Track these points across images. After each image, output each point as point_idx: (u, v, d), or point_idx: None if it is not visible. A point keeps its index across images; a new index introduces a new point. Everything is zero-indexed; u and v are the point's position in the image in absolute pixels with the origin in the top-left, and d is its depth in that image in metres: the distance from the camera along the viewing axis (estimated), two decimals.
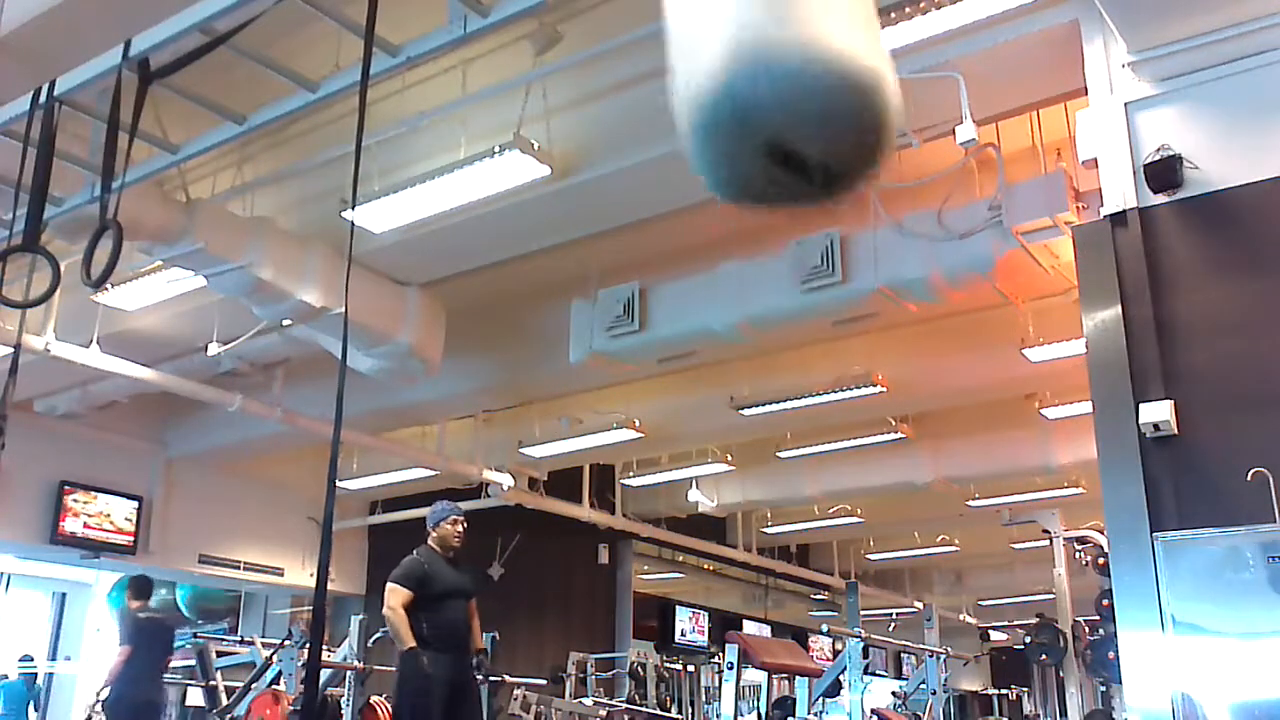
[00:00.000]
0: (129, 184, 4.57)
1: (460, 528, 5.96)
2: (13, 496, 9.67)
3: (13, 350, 4.87)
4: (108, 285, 6.75)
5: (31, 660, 12.67)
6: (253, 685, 7.32)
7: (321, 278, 6.86)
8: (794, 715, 9.17)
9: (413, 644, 5.52)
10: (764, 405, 9.20)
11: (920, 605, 14.86)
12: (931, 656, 9.60)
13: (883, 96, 1.18)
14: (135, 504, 10.67)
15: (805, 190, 1.23)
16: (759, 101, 1.12)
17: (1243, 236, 4.23)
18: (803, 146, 1.16)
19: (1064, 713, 10.74)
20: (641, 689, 11.92)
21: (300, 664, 7.01)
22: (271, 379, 8.91)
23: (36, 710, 12.66)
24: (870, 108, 1.17)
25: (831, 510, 13.93)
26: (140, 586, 8.27)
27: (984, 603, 19.52)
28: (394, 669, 5.84)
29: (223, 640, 9.14)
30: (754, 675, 9.11)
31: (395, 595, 5.63)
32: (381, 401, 8.92)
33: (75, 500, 10.19)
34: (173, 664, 11.45)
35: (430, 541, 5.96)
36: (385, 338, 7.37)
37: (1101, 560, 9.30)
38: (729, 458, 11.69)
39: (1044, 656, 10.42)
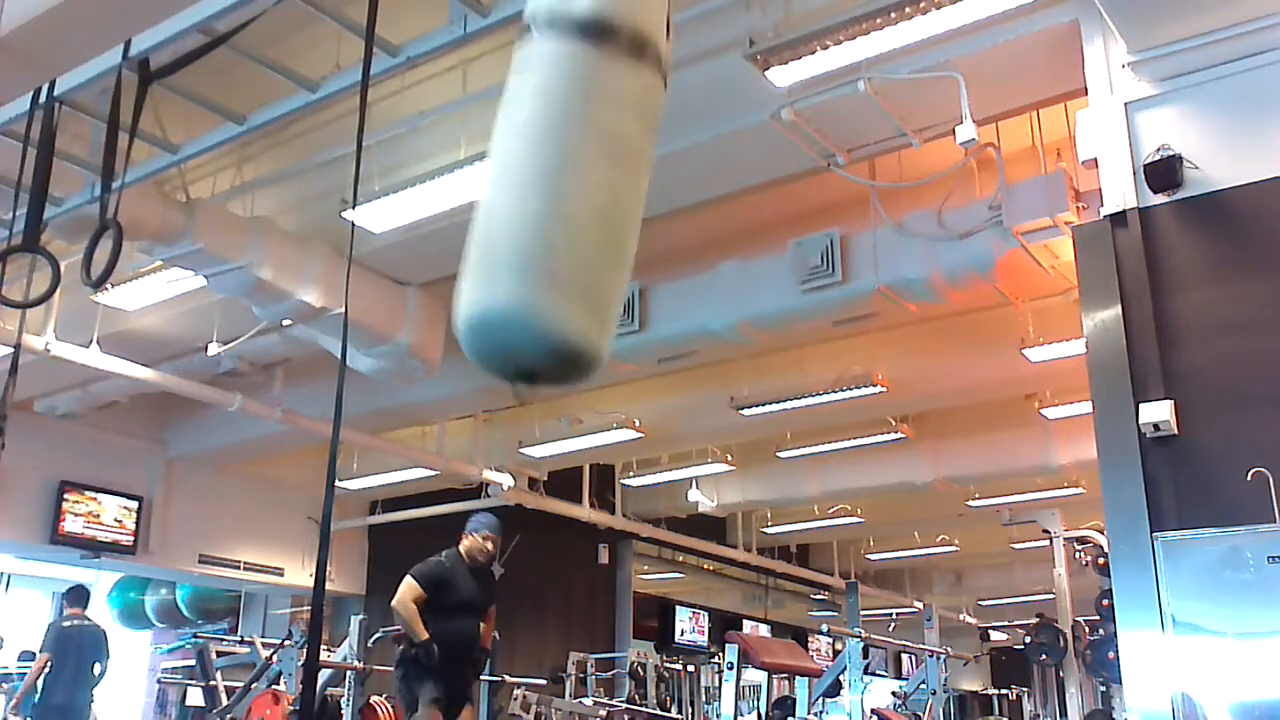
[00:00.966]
0: (129, 184, 4.57)
1: (490, 545, 5.93)
2: (13, 496, 9.67)
3: (13, 350, 4.87)
4: (108, 285, 6.75)
5: (33, 658, 12.64)
6: (253, 685, 7.32)
7: (321, 278, 6.85)
8: (794, 715, 9.17)
9: (426, 635, 5.50)
10: (764, 405, 9.20)
11: (920, 605, 14.86)
12: (931, 656, 9.60)
13: (584, 357, 1.71)
14: (135, 504, 10.67)
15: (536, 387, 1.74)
16: (484, 353, 1.68)
17: (1243, 236, 4.23)
18: (527, 373, 1.70)
19: (1064, 713, 10.74)
20: (641, 689, 11.93)
21: (300, 664, 7.01)
22: (271, 379, 8.91)
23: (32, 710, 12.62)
24: (575, 363, 1.71)
25: (831, 510, 13.93)
26: (76, 595, 8.31)
27: (984, 603, 19.51)
28: (395, 668, 5.82)
29: (223, 640, 9.14)
30: (754, 675, 9.10)
31: (409, 590, 5.60)
32: (381, 401, 8.93)
33: (75, 500, 10.19)
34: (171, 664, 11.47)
35: (460, 547, 5.92)
36: (385, 338, 7.37)
37: (1101, 560, 9.31)
38: (729, 458, 11.69)
39: (1044, 656, 10.43)
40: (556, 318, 1.66)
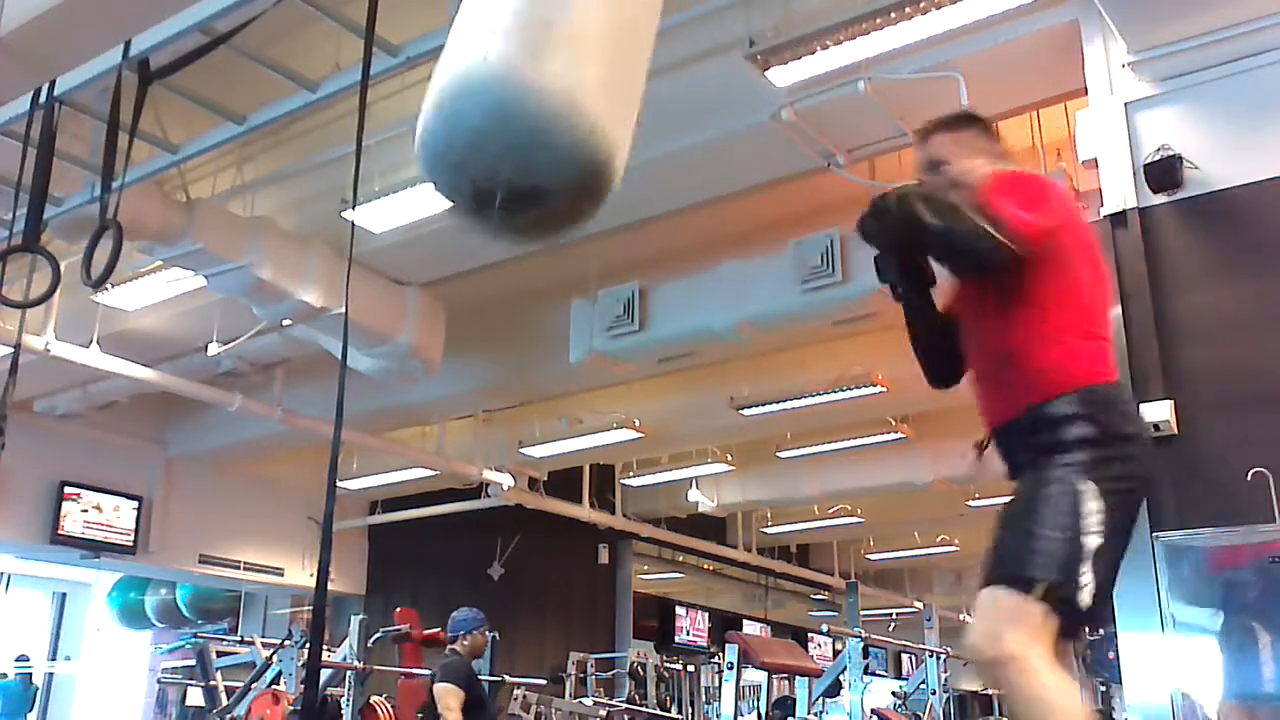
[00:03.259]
0: (129, 184, 4.57)
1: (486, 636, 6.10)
2: (13, 496, 9.67)
3: (13, 350, 4.87)
4: (108, 285, 6.75)
5: (28, 660, 12.66)
6: (253, 685, 7.32)
7: (321, 278, 6.85)
8: (794, 715, 9.17)
9: None
10: (764, 405, 9.20)
11: (920, 605, 14.85)
12: (931, 656, 9.59)
13: (573, 121, 1.17)
14: (135, 504, 10.67)
15: (529, 222, 1.22)
16: (451, 146, 1.15)
17: (1243, 236, 4.23)
18: (495, 179, 1.17)
19: None
20: (641, 689, 11.93)
21: (300, 664, 7.00)
22: (271, 379, 8.92)
23: (31, 709, 12.65)
24: (561, 132, 1.16)
25: (831, 510, 13.93)
26: None
27: None
28: None
29: (223, 640, 9.14)
30: (754, 675, 9.09)
31: (452, 696, 5.53)
32: (381, 401, 8.93)
33: (75, 500, 10.19)
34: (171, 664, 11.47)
35: (459, 647, 5.93)
36: (385, 338, 7.37)
37: None
38: (729, 458, 11.69)
39: None
40: (564, 91, 1.14)
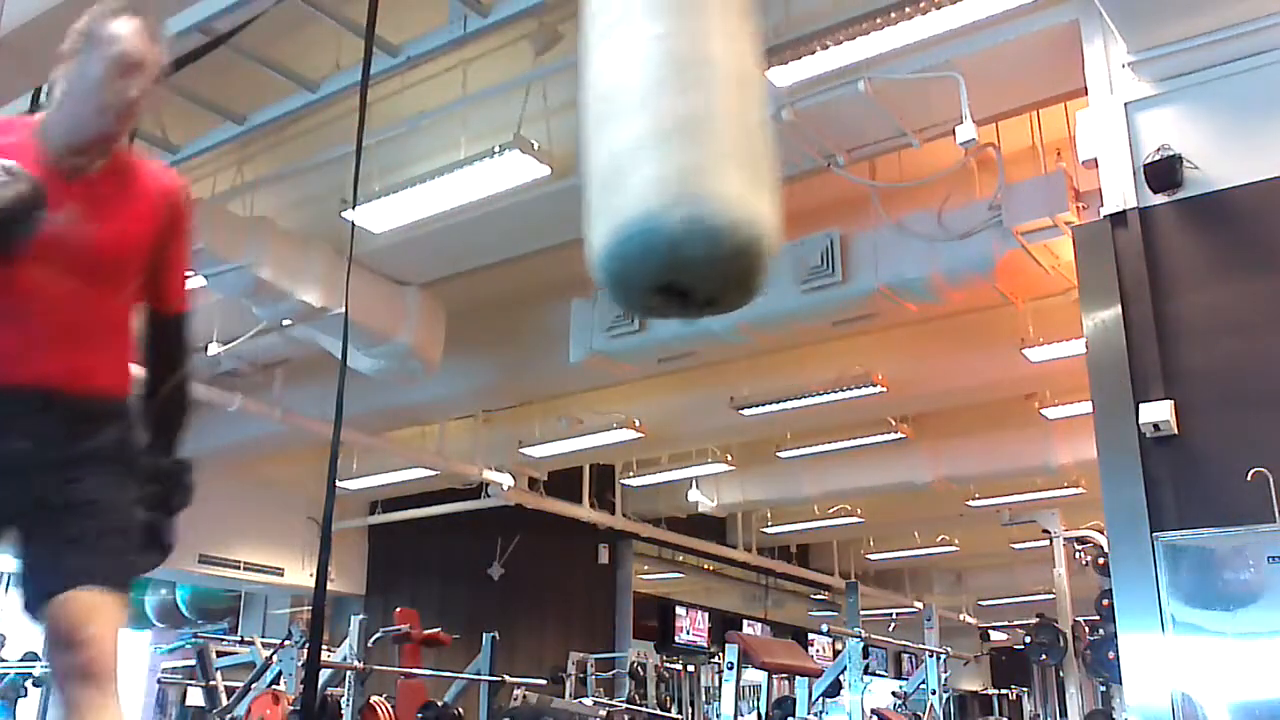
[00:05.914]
0: None
1: None
2: None
3: None
4: None
5: (39, 657, 12.61)
6: (253, 685, 7.31)
7: (321, 278, 6.85)
8: (794, 715, 9.17)
9: None
10: (764, 405, 9.19)
11: (920, 605, 14.86)
12: (931, 656, 9.60)
13: (759, 245, 1.33)
14: None
15: (688, 312, 1.40)
16: (652, 257, 1.31)
17: (1243, 236, 4.24)
18: (690, 287, 1.35)
19: (1064, 713, 10.75)
20: (641, 689, 11.93)
21: (300, 664, 7.00)
22: (271, 379, 8.91)
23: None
24: (748, 255, 1.33)
25: (831, 510, 13.93)
26: None
27: (984, 603, 19.52)
28: None
29: (223, 640, 9.13)
30: (754, 675, 9.09)
31: None
32: (381, 401, 8.92)
33: None
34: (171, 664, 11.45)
35: None
36: (385, 338, 7.37)
37: (1101, 560, 9.31)
38: (729, 458, 11.69)
39: (1044, 656, 10.44)
40: (727, 197, 1.29)
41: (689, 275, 1.33)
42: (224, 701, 7.74)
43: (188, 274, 2.16)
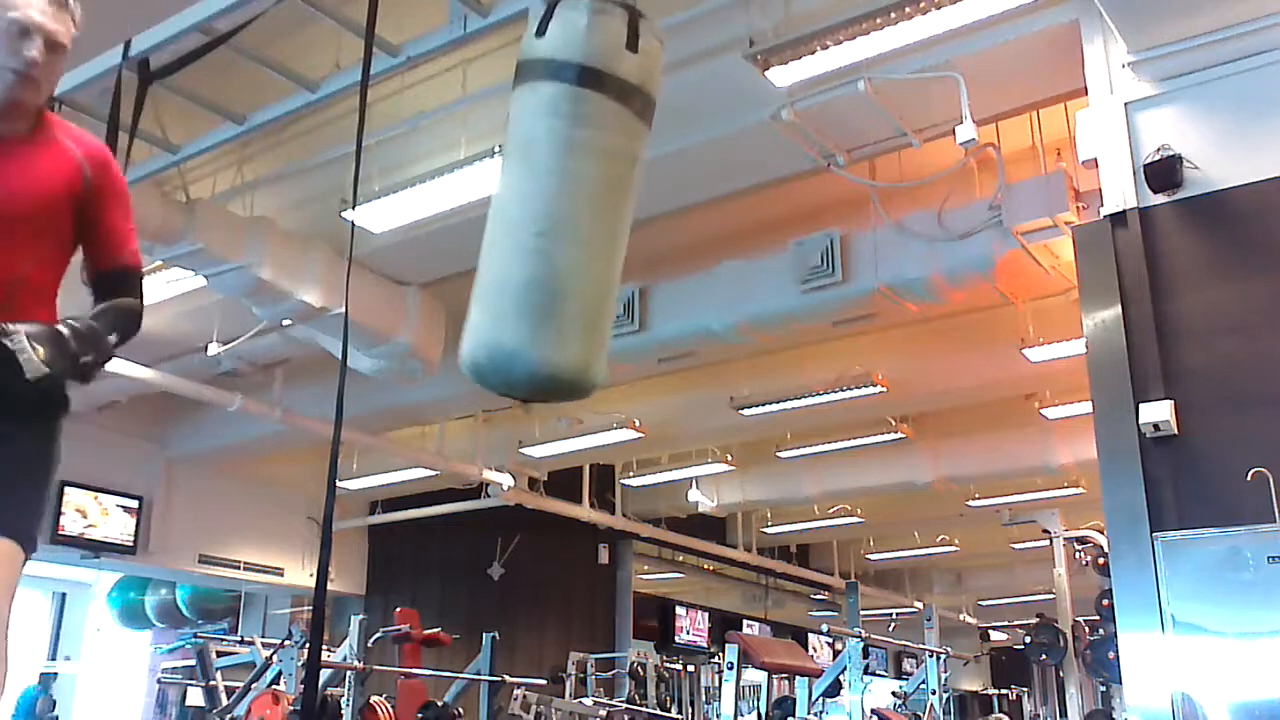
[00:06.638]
0: (129, 184, 4.56)
1: None
2: None
3: None
4: None
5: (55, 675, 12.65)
6: (253, 685, 7.32)
7: (321, 278, 6.86)
8: (794, 715, 9.16)
9: None
10: (764, 405, 9.20)
11: (920, 605, 14.85)
12: (931, 656, 9.60)
13: (578, 385, 2.07)
14: (135, 504, 10.66)
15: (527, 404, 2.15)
16: (493, 378, 2.15)
17: (1243, 236, 4.23)
18: (521, 397, 2.16)
19: (1064, 713, 10.74)
20: (641, 689, 11.92)
21: (300, 664, 7.00)
22: (271, 379, 8.91)
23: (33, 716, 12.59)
24: (567, 391, 2.10)
25: (831, 510, 13.93)
26: None
27: (984, 603, 19.52)
28: None
29: (223, 640, 9.13)
30: (754, 675, 9.09)
31: None
32: (381, 401, 8.92)
33: (75, 500, 10.19)
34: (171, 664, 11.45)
35: None
36: (385, 338, 7.37)
37: (1101, 560, 9.31)
38: (729, 458, 11.69)
39: (1044, 656, 10.43)
40: (563, 359, 1.97)
41: (518, 394, 2.13)
42: (224, 701, 7.75)
43: (129, 230, 2.27)
